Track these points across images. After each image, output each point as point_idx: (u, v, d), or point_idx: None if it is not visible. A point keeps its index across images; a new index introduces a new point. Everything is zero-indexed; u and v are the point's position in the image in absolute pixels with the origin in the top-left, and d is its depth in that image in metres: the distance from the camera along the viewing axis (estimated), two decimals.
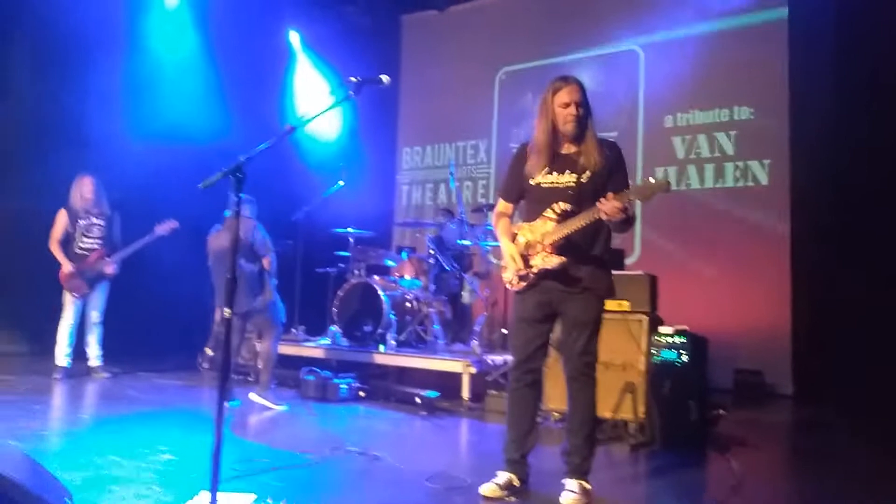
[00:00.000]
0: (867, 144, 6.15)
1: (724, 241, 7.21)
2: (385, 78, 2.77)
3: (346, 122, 9.31)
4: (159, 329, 7.30)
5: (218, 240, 5.09)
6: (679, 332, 4.27)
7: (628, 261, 7.13)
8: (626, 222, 2.91)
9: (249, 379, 5.97)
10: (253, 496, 2.76)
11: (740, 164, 7.34)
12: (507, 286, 3.17)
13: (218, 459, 2.46)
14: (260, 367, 5.13)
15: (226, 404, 4.83)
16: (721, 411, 4.52)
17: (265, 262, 5.01)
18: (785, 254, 6.88)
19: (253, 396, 4.97)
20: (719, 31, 7.46)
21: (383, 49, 9.54)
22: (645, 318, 4.50)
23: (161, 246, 6.21)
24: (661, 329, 4.35)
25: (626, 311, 4.56)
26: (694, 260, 7.22)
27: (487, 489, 2.95)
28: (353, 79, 2.67)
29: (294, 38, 9.35)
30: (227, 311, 2.51)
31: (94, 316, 6.03)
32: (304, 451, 3.59)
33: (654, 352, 4.31)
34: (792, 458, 4.41)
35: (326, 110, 2.73)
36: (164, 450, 3.50)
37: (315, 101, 8.69)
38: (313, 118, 2.79)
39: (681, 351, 4.21)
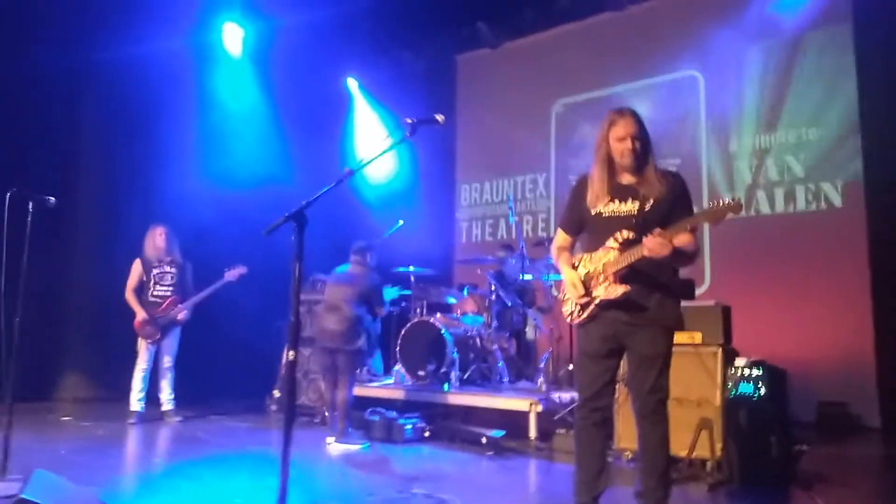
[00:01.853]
0: None
1: (798, 267, 6.89)
2: (440, 117, 2.78)
3: (403, 163, 9.46)
4: (229, 372, 7.47)
5: (334, 286, 5.32)
6: (755, 364, 4.07)
7: (698, 291, 6.90)
8: (681, 257, 2.82)
9: (315, 421, 6.01)
10: None
11: (812, 186, 7.05)
12: (568, 319, 3.08)
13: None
14: (336, 410, 5.16)
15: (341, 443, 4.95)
16: (804, 446, 4.26)
17: (379, 311, 5.30)
18: (864, 278, 6.52)
19: (331, 441, 5.03)
20: (782, 50, 7.27)
21: (439, 90, 9.69)
22: (719, 351, 4.30)
23: (230, 291, 6.39)
24: (737, 362, 4.15)
25: (698, 344, 4.38)
26: (767, 288, 6.91)
27: None
28: (408, 120, 2.69)
29: (352, 84, 9.63)
30: (290, 354, 2.52)
31: (167, 361, 6.21)
32: (370, 494, 3.56)
33: (730, 385, 4.11)
34: (881, 495, 4.08)
35: (384, 152, 2.76)
36: (234, 495, 3.53)
37: (373, 144, 8.88)
38: (372, 160, 2.82)
39: (758, 384, 4.02)
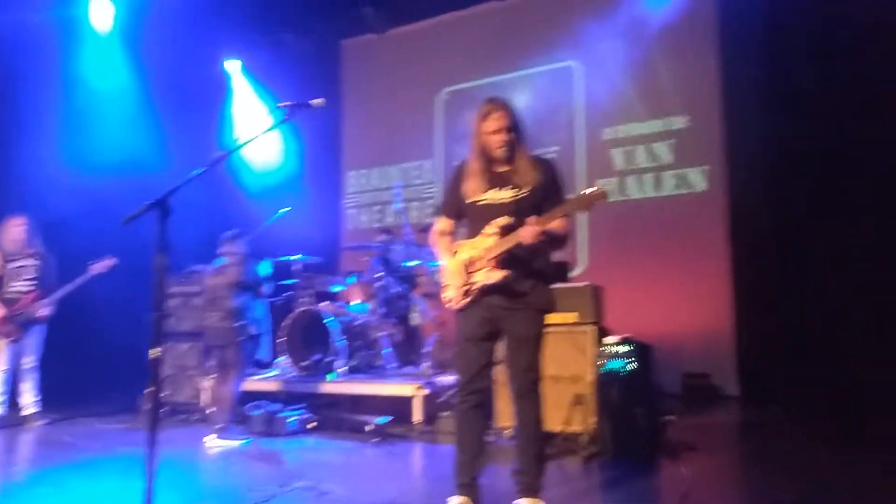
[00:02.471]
0: (802, 146, 6.33)
1: (666, 248, 7.33)
2: (316, 102, 2.74)
3: (289, 149, 9.23)
4: (99, 371, 7.02)
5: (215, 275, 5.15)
6: (624, 341, 4.30)
7: (574, 273, 7.21)
8: (555, 242, 2.95)
9: (194, 418, 5.80)
10: None
11: (679, 172, 7.51)
12: (448, 304, 3.13)
13: None
14: (217, 405, 4.98)
15: (237, 443, 4.75)
16: (671, 417, 4.56)
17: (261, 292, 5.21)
18: (725, 257, 7.04)
19: (213, 440, 4.85)
20: (652, 42, 7.63)
21: (324, 74, 9.50)
22: (591, 329, 4.53)
23: (99, 285, 6.01)
24: (607, 339, 4.37)
25: (572, 324, 4.59)
26: (638, 268, 7.31)
27: None
28: (283, 104, 2.62)
29: (232, 65, 9.26)
30: (154, 351, 2.40)
31: (29, 361, 5.78)
32: (250, 491, 3.47)
33: (601, 362, 4.33)
34: (740, 460, 4.45)
35: (257, 137, 2.68)
36: (101, 500, 3.35)
37: (250, 128, 8.60)
38: (243, 145, 2.73)
39: (627, 359, 4.24)
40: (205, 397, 5.33)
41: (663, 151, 7.62)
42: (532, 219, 2.83)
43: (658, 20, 7.56)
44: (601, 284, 4.89)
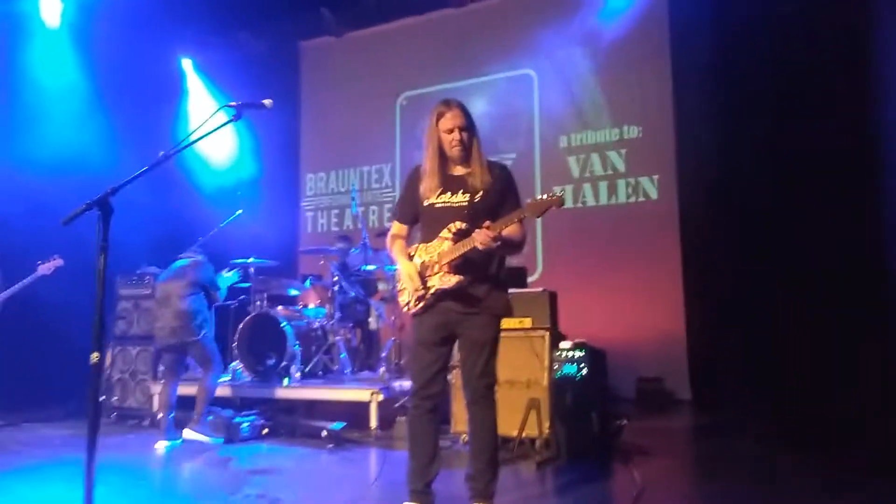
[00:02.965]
0: (751, 155, 6.56)
1: (620, 254, 7.47)
2: (267, 102, 2.70)
3: (245, 151, 9.11)
4: (47, 376, 6.78)
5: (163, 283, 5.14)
6: (578, 346, 4.36)
7: (531, 278, 7.28)
8: (510, 247, 2.96)
9: (144, 423, 5.66)
10: None
11: (631, 180, 7.67)
12: (404, 309, 3.12)
13: None
14: (196, 400, 4.96)
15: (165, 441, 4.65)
16: (623, 421, 4.64)
17: (215, 297, 5.19)
18: (676, 263, 7.21)
19: (187, 433, 4.83)
20: (608, 52, 7.78)
21: (282, 75, 9.41)
22: (547, 334, 4.58)
23: (46, 286, 5.82)
24: (562, 344, 4.43)
25: (528, 329, 4.63)
26: (594, 274, 7.43)
27: None
28: (232, 104, 2.58)
29: (187, 64, 9.09)
30: (94, 356, 2.33)
31: None
32: (199, 500, 3.40)
33: (556, 367, 4.38)
34: (692, 464, 4.54)
35: (203, 137, 2.63)
36: None
37: (200, 127, 8.44)
38: (190, 144, 2.67)
39: (580, 364, 4.30)
40: (156, 402, 5.22)
41: (617, 160, 7.77)
42: (486, 224, 2.84)
43: (612, 31, 7.71)
44: (556, 290, 4.95)
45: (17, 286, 5.67)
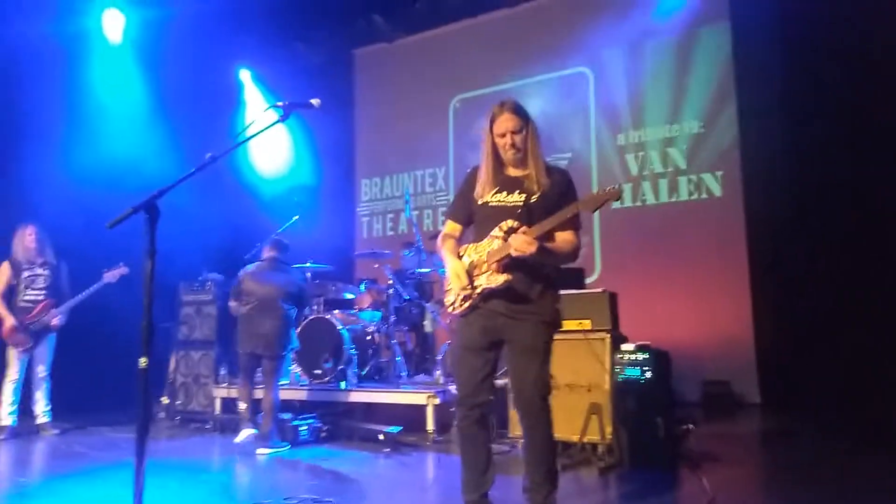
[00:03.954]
0: (818, 150, 6.24)
1: (683, 254, 7.23)
2: (315, 101, 2.69)
3: (301, 157, 9.24)
4: (111, 380, 6.97)
5: (261, 283, 5.08)
6: (641, 349, 4.19)
7: (589, 279, 7.11)
8: (554, 257, 2.83)
9: (206, 427, 5.76)
10: None
11: (693, 177, 7.41)
12: (450, 309, 3.00)
13: None
14: (264, 414, 4.95)
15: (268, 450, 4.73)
16: (690, 426, 4.43)
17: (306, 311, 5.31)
18: (743, 263, 6.92)
19: (260, 451, 4.80)
20: (664, 48, 7.58)
21: (337, 83, 9.52)
22: (607, 337, 4.43)
23: (111, 293, 6.00)
24: (623, 346, 4.27)
25: (587, 330, 4.49)
26: (655, 275, 7.21)
27: None
28: (279, 103, 2.56)
29: (245, 76, 9.29)
30: (142, 361, 2.33)
31: (41, 370, 5.78)
32: (255, 502, 3.39)
33: (618, 370, 4.23)
34: (763, 470, 4.31)
35: (252, 137, 2.62)
36: None
37: (278, 134, 8.61)
38: (237, 145, 2.66)
39: (644, 367, 4.13)
40: (242, 403, 5.26)
41: (678, 156, 7.52)
42: (522, 229, 2.73)
43: (668, 27, 7.51)
44: (616, 291, 4.79)
45: (83, 294, 5.85)
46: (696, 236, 7.22)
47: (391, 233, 9.32)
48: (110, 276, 5.86)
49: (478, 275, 2.89)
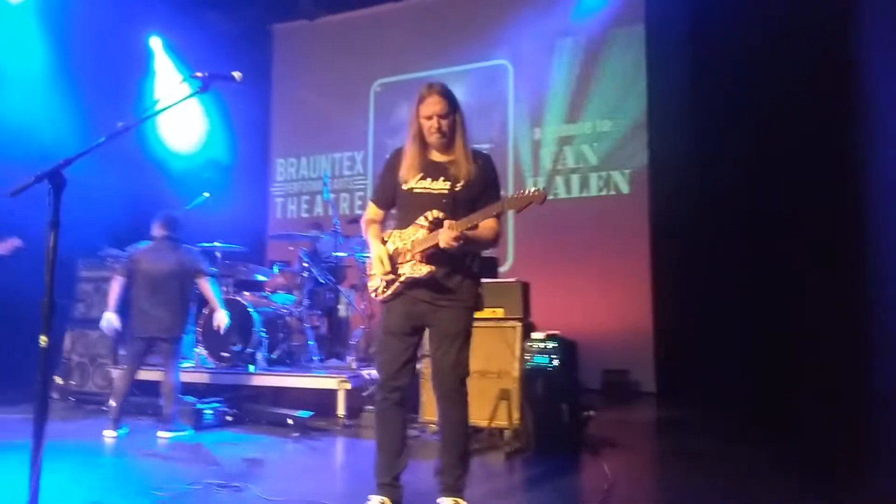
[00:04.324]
0: (722, 153, 6.61)
1: (590, 247, 7.51)
2: (237, 74, 2.60)
3: (214, 132, 8.91)
4: (2, 359, 6.55)
5: (156, 263, 4.76)
6: (550, 338, 4.34)
7: (502, 269, 7.25)
8: (477, 245, 2.91)
9: (104, 409, 5.50)
10: None
11: (603, 174, 7.69)
12: (373, 294, 3.03)
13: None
14: (165, 399, 4.73)
15: (113, 432, 4.50)
16: (591, 412, 4.63)
17: (202, 284, 4.88)
18: (645, 259, 7.27)
19: (161, 434, 4.61)
20: (582, 48, 7.80)
21: (254, 58, 9.22)
22: (518, 325, 4.56)
23: (2, 267, 5.60)
24: (534, 335, 4.41)
25: (500, 319, 4.61)
26: (564, 266, 7.45)
27: None
28: (199, 74, 2.46)
29: (155, 43, 8.84)
30: (43, 340, 2.22)
31: None
32: (157, 489, 3.29)
33: (528, 357, 4.36)
34: (660, 456, 4.55)
35: (166, 108, 2.51)
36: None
37: (163, 99, 8.21)
38: (150, 116, 2.55)
39: (552, 356, 4.28)
40: (118, 388, 5.00)
41: (589, 153, 7.78)
42: (448, 223, 2.77)
43: (588, 26, 7.74)
44: (527, 281, 4.92)
45: None
46: (604, 231, 7.52)
47: (306, 215, 9.16)
48: (2, 248, 5.47)
49: (402, 263, 2.91)
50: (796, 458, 4.13)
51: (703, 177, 6.82)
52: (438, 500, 2.90)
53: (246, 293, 5.93)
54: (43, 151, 6.55)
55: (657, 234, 7.29)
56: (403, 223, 2.98)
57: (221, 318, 4.91)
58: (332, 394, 5.14)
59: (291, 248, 6.44)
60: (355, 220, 6.74)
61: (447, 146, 2.94)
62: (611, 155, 7.67)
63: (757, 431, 4.94)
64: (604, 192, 7.66)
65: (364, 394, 5.10)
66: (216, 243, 6.05)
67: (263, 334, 5.54)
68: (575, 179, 7.81)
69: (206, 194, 6.28)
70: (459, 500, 2.90)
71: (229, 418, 5.14)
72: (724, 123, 6.57)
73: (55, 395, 6.03)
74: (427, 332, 3.06)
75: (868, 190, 5.72)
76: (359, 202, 8.91)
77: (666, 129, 7.30)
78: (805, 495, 3.36)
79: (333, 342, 6.24)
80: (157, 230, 4.92)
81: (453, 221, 2.78)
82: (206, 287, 4.90)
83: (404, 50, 8.70)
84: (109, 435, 4.60)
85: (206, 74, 2.44)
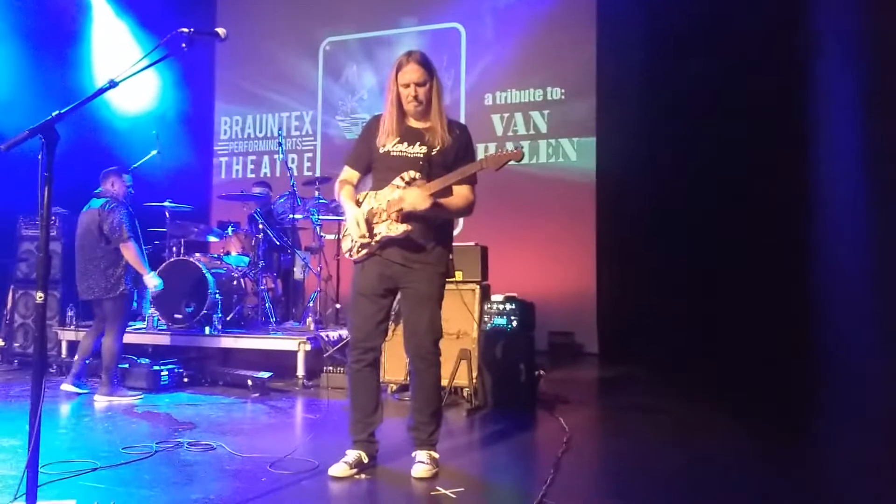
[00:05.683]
0: (669, 123, 6.83)
1: (538, 213, 7.70)
2: (222, 31, 2.58)
3: (162, 86, 8.56)
4: None
5: (80, 223, 4.65)
6: (509, 300, 4.50)
7: (453, 233, 7.36)
8: (449, 212, 3.00)
9: (51, 371, 5.38)
10: (72, 502, 2.49)
11: (553, 142, 7.85)
12: (347, 254, 3.08)
13: (36, 464, 2.17)
14: (103, 363, 4.62)
15: (72, 386, 4.40)
16: (541, 372, 4.84)
17: (122, 248, 4.60)
18: (591, 225, 7.52)
19: (98, 398, 4.53)
20: (535, 13, 7.85)
21: (198, 10, 8.87)
22: (477, 288, 4.70)
23: None
24: (493, 297, 4.55)
25: (459, 281, 4.72)
26: (511, 231, 7.60)
27: (337, 469, 2.91)
28: (184, 30, 2.41)
29: None
30: (38, 296, 2.21)
31: None
32: (127, 448, 3.29)
33: (486, 319, 4.51)
34: (610, 412, 4.79)
35: (151, 65, 2.46)
36: None
37: (126, 56, 7.85)
38: (135, 73, 2.49)
39: (511, 317, 4.44)
40: (81, 346, 4.88)
41: (539, 121, 7.92)
42: (418, 182, 2.85)
43: None
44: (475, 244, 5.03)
45: None
46: (552, 198, 7.70)
47: (252, 175, 8.99)
48: None
49: (377, 223, 2.96)
50: (733, 407, 4.45)
51: (649, 146, 7.03)
52: (414, 454, 3.03)
53: (198, 254, 5.84)
54: None
55: (602, 201, 7.52)
56: (379, 185, 3.02)
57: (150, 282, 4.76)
58: (283, 356, 5.18)
59: (245, 209, 6.34)
60: (311, 182, 6.71)
61: (424, 113, 3.00)
62: (560, 122, 7.82)
63: (696, 387, 5.27)
64: (553, 160, 7.83)
65: (325, 355, 5.16)
66: (167, 202, 5.92)
67: (218, 296, 5.48)
68: (525, 146, 7.89)
69: (154, 152, 6.10)
70: (432, 452, 3.04)
71: (185, 380, 5.12)
72: (672, 93, 6.78)
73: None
74: (399, 294, 3.10)
75: (815, 154, 5.98)
76: (307, 163, 8.81)
77: (614, 98, 7.47)
78: (744, 438, 3.70)
79: (288, 304, 6.24)
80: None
81: (425, 182, 2.84)
82: (129, 252, 4.64)
83: (355, 8, 8.55)
84: (68, 389, 4.52)
85: (192, 31, 2.40)
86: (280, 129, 8.37)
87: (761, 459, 3.36)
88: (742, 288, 6.21)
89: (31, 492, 2.13)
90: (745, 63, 6.32)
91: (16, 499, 2.41)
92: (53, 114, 2.14)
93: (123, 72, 2.38)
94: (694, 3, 6.61)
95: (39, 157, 2.16)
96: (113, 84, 2.32)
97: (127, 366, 4.94)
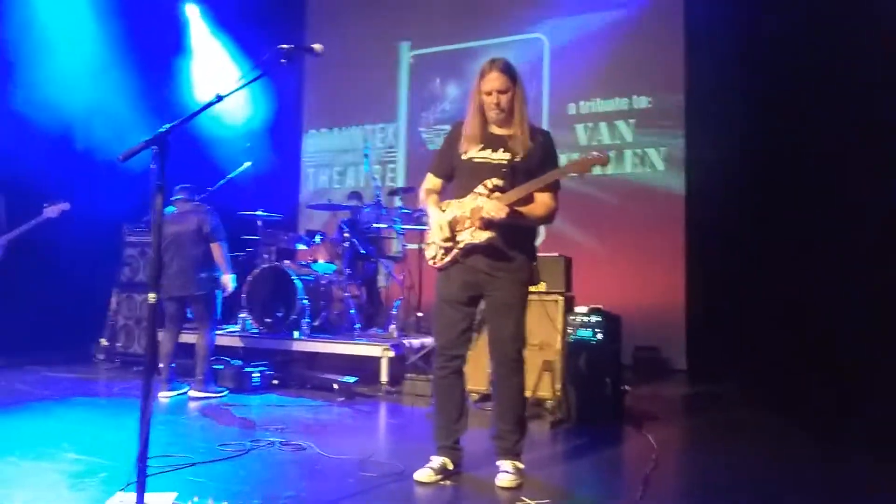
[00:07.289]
0: (761, 132, 6.56)
1: (623, 224, 7.53)
2: (318, 47, 2.68)
3: (254, 101, 8.94)
4: (48, 320, 6.73)
5: (175, 223, 4.87)
6: (594, 311, 4.42)
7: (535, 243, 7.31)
8: (528, 220, 2.97)
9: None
10: (174, 494, 2.61)
11: (639, 151, 7.68)
12: (431, 262, 3.08)
13: (145, 457, 2.28)
14: (196, 358, 4.89)
15: (169, 392, 4.65)
16: (627, 387, 4.72)
17: (214, 248, 4.86)
18: (679, 236, 7.27)
19: (192, 393, 4.79)
20: (619, 21, 7.73)
21: (288, 27, 9.22)
22: (561, 299, 4.64)
23: (51, 229, 5.76)
24: (577, 309, 4.48)
25: (542, 292, 4.67)
26: (596, 243, 7.50)
27: (423, 475, 2.92)
28: (283, 46, 2.52)
29: (191, 10, 8.85)
30: (151, 297, 2.34)
31: None
32: (223, 445, 3.43)
33: (570, 331, 4.44)
34: (699, 428, 4.62)
35: (255, 79, 2.57)
36: (67, 447, 3.26)
37: (227, 73, 8.26)
38: (239, 88, 2.61)
39: (596, 329, 4.36)
40: (161, 350, 5.16)
41: (625, 130, 7.77)
42: (495, 194, 2.84)
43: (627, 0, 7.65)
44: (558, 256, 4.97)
45: (21, 228, 5.59)
46: (638, 208, 7.52)
47: (337, 186, 9.23)
48: (51, 211, 5.61)
49: (461, 230, 2.97)
50: (831, 428, 4.21)
51: (741, 154, 6.77)
52: (498, 463, 3.01)
53: (286, 261, 6.04)
54: (81, 120, 6.63)
55: (691, 211, 7.28)
56: (462, 192, 3.02)
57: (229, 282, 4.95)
58: (368, 362, 5.26)
59: (335, 218, 6.51)
60: (394, 193, 6.84)
61: (506, 121, 3.00)
62: (646, 131, 7.65)
63: (789, 405, 5.01)
64: (639, 170, 7.66)
65: (407, 362, 5.22)
66: (259, 212, 6.16)
67: (306, 302, 5.65)
68: (610, 156, 7.79)
69: (248, 164, 6.36)
70: (518, 462, 3.00)
71: (275, 382, 5.28)
72: (766, 100, 6.50)
73: (101, 356, 6.20)
74: (483, 303, 3.09)
75: None
76: (391, 175, 8.97)
77: (702, 106, 7.25)
78: (847, 461, 3.47)
79: (372, 312, 6.36)
80: (178, 193, 5.03)
81: (501, 194, 2.83)
82: (220, 252, 4.90)
83: (439, 22, 8.66)
84: (164, 396, 4.76)
85: (291, 47, 2.50)
86: (367, 142, 8.56)
87: (864, 483, 3.15)
88: (843, 304, 5.86)
89: (141, 483, 2.24)
90: (850, 48, 5.92)
91: (124, 489, 2.55)
92: (166, 126, 2.26)
93: (229, 86, 2.50)
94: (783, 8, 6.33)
95: (152, 166, 2.27)
96: (219, 98, 2.44)
97: (222, 367, 5.15)
